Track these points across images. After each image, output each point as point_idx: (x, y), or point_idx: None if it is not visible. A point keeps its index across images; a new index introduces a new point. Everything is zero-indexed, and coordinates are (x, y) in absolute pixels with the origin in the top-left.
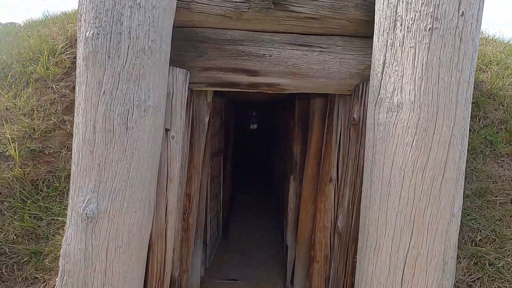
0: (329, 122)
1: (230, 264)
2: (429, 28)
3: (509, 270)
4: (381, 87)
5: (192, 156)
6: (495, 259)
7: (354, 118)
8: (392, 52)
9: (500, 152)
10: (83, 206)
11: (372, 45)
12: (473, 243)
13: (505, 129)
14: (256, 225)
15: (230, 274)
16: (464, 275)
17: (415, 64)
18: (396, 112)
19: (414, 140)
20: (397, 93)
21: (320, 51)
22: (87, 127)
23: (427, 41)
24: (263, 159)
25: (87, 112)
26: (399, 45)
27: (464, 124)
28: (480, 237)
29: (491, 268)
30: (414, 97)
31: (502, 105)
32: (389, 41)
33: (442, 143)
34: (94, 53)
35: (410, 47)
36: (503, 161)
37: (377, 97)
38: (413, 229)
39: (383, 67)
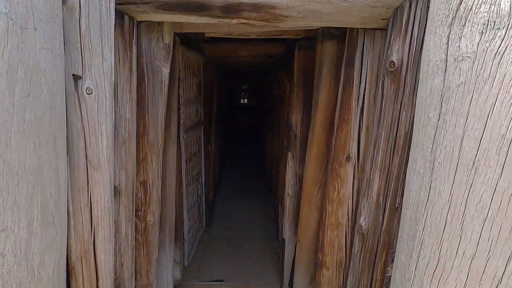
0: (347, 74)
1: (214, 260)
2: None
3: None
4: None
5: (144, 128)
6: None
7: (392, 61)
8: None
9: None
10: None
11: None
12: None
13: None
14: (246, 210)
15: (214, 273)
16: None
17: None
18: (505, 29)
19: None
20: None
21: None
22: None
23: None
24: (256, 135)
25: None
26: None
27: None
28: None
29: None
30: None
31: None
32: None
33: None
34: None
35: None
36: None
37: (456, 9)
38: None
39: None
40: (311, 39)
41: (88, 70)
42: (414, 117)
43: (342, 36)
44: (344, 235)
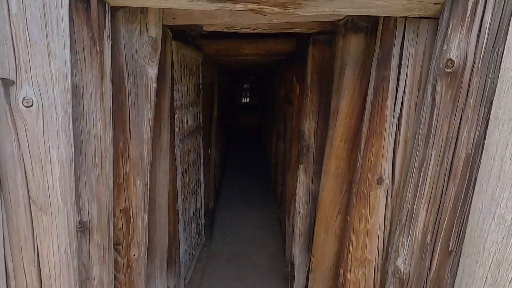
0: (379, 76)
1: (215, 279)
2: None
3: None
4: None
5: (125, 143)
6: None
7: (450, 59)
8: None
9: None
10: None
11: None
12: None
13: None
14: (249, 220)
15: None
16: None
17: None
18: None
19: None
20: None
21: None
22: None
23: None
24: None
25: None
26: None
27: None
28: None
29: None
30: None
31: None
32: None
33: None
34: None
35: None
36: None
37: None
38: None
39: None
40: (328, 33)
41: (26, 72)
42: (483, 135)
43: (372, 29)
44: (372, 274)
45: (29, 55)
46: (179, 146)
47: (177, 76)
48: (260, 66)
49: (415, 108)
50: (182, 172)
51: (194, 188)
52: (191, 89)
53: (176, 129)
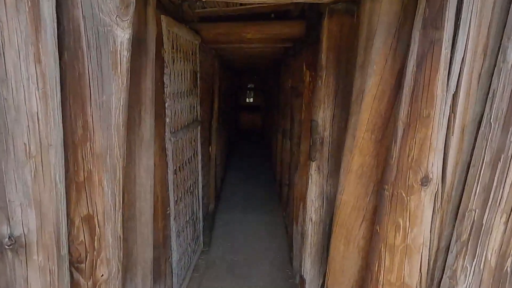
0: (426, 40)
1: None
2: None
3: None
4: None
5: (85, 130)
6: None
7: None
8: None
9: None
10: None
11: None
12: None
13: None
14: (251, 224)
15: None
16: None
17: None
18: None
19: None
20: None
21: None
22: None
23: None
24: (262, 136)
25: None
26: None
27: None
28: None
29: None
30: None
31: None
32: None
33: None
34: None
35: None
36: None
37: None
38: None
39: None
40: (347, 1)
41: None
42: None
43: None
44: None
45: None
46: (170, 140)
47: (168, 59)
48: (265, 59)
49: (478, 81)
50: (175, 170)
51: (190, 188)
52: (186, 76)
53: (167, 120)
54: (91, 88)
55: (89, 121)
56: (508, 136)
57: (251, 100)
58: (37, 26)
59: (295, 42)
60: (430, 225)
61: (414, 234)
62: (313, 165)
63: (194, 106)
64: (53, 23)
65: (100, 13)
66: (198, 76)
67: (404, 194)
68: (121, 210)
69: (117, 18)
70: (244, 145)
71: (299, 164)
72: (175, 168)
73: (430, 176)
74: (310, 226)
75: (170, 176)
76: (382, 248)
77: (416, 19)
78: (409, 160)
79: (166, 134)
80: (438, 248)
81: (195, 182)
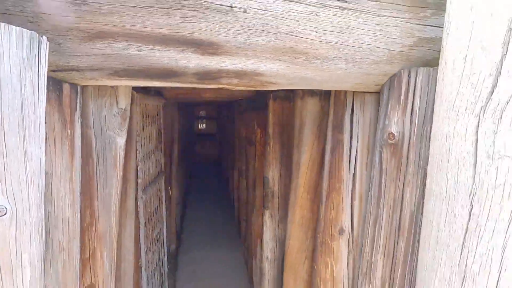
0: (335, 139)
1: None
2: None
3: None
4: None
5: (92, 217)
6: None
7: (392, 133)
8: None
9: None
10: None
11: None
12: None
13: None
14: (213, 262)
15: None
16: None
17: None
18: None
19: None
20: None
21: (340, 7)
22: None
23: None
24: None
25: None
26: None
27: None
28: None
29: None
30: None
31: None
32: None
33: None
34: None
35: None
36: None
37: (487, 98)
38: None
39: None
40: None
41: (0, 182)
42: (421, 198)
43: (325, 94)
44: None
45: (5, 165)
46: (142, 198)
47: (140, 128)
48: (219, 102)
49: (366, 168)
50: (145, 223)
51: (157, 236)
52: (153, 136)
53: (139, 180)
54: (97, 185)
55: (95, 210)
56: (379, 207)
57: (204, 126)
58: (72, 157)
59: (248, 99)
60: (347, 262)
61: (337, 269)
62: (267, 213)
63: (158, 160)
64: (80, 149)
65: (107, 130)
66: (162, 133)
67: (329, 241)
68: (114, 275)
69: (118, 130)
70: (199, 172)
71: (255, 206)
72: (144, 221)
73: (344, 228)
74: (267, 264)
75: (141, 230)
76: (318, 281)
77: (328, 121)
78: (330, 217)
79: (138, 193)
80: (353, 277)
81: (160, 230)
